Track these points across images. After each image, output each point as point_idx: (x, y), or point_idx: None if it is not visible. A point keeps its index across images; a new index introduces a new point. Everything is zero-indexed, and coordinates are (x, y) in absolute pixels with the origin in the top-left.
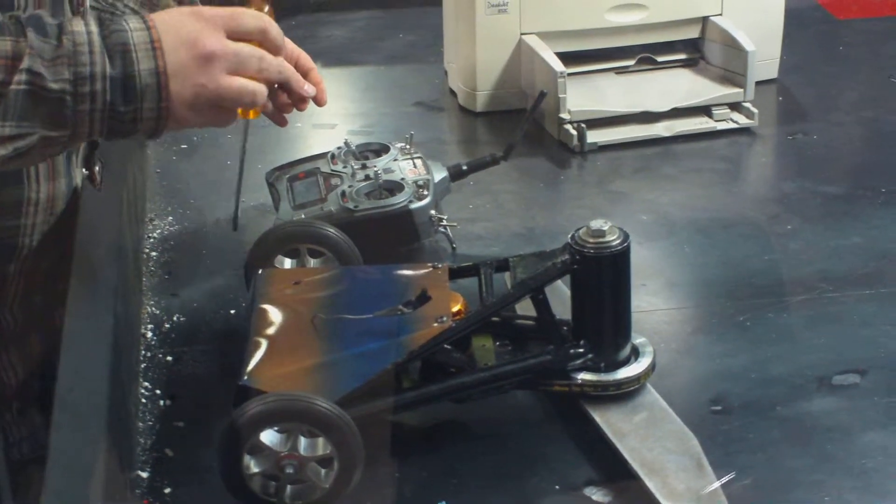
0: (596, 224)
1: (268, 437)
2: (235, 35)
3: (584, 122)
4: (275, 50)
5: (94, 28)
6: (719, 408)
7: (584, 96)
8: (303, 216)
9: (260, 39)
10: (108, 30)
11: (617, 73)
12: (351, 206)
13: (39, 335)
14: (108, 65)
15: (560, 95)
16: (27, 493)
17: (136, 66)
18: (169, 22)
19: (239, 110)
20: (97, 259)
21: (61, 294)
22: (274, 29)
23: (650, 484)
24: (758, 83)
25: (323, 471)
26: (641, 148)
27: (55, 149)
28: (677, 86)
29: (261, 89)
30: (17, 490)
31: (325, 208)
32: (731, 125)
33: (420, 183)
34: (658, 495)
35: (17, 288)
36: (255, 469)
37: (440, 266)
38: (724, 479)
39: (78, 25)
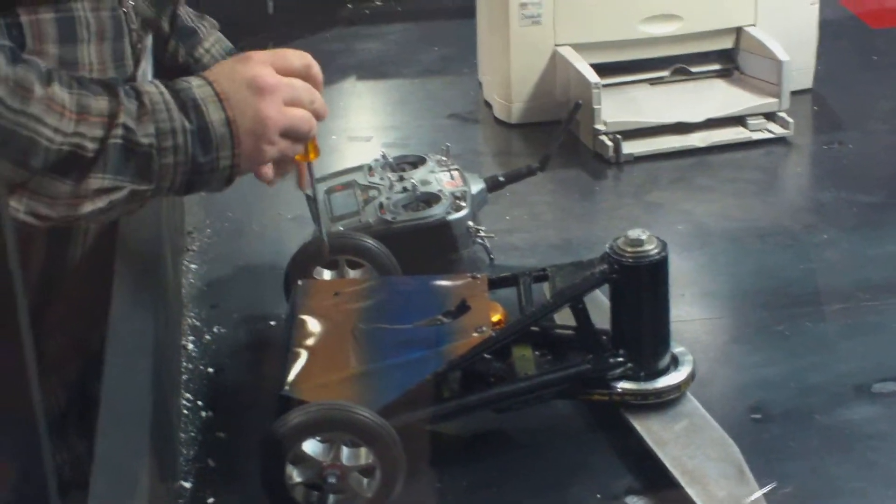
0: (634, 233)
1: (310, 446)
2: (282, 72)
3: (619, 133)
4: (317, 86)
5: (163, 88)
6: (759, 416)
7: (619, 107)
8: (341, 228)
9: (304, 76)
10: (174, 89)
11: (651, 83)
12: (389, 217)
13: (80, 361)
14: (185, 120)
15: (595, 106)
16: None
17: (207, 117)
18: (224, 73)
19: (298, 156)
20: (138, 271)
21: (101, 319)
22: (316, 66)
23: (691, 491)
24: (792, 93)
25: (365, 480)
26: (677, 159)
27: (135, 205)
28: (712, 96)
29: (313, 121)
30: None
31: (363, 220)
32: (767, 135)
33: (457, 194)
34: (699, 502)
35: (62, 313)
36: (297, 479)
37: (479, 276)
38: (767, 489)
39: (149, 87)
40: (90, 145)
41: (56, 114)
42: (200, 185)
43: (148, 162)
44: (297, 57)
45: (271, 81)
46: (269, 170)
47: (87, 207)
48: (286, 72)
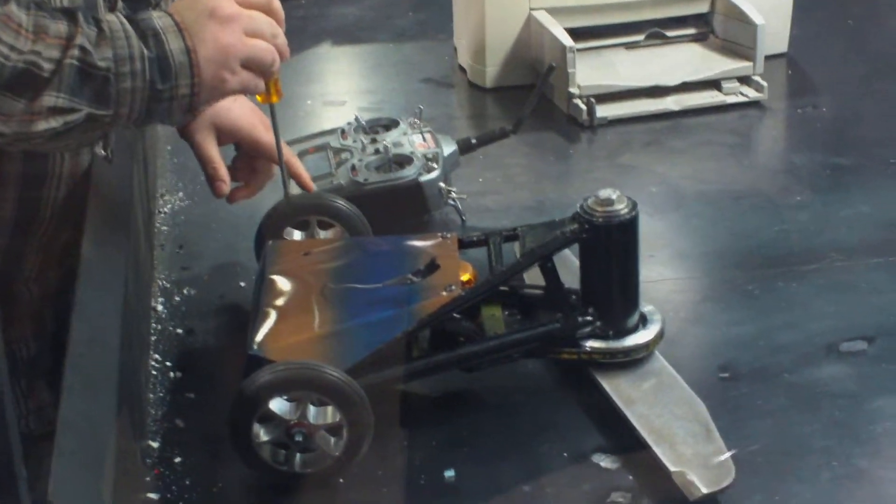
0: (604, 193)
1: (277, 405)
2: (244, 5)
3: (593, 96)
4: (279, 23)
5: (123, 18)
6: (727, 375)
7: (593, 71)
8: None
9: (265, 10)
10: (134, 19)
11: (626, 47)
12: (361, 179)
13: (54, 311)
14: (143, 47)
15: (569, 70)
16: (35, 468)
17: (167, 45)
18: (185, 4)
19: (259, 97)
20: (108, 232)
21: (76, 270)
22: (277, 2)
23: (658, 450)
24: (767, 57)
25: (332, 439)
26: (651, 122)
27: (95, 132)
28: (687, 60)
29: (276, 54)
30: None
31: (334, 182)
32: (741, 99)
33: (429, 156)
34: (666, 461)
35: (35, 261)
36: (264, 437)
37: (449, 236)
38: (729, 454)
39: (110, 16)
40: (46, 65)
41: (12, 31)
42: (160, 114)
43: (105, 86)
44: None
45: (231, 11)
46: (226, 186)
47: (41, 125)
48: (247, 4)
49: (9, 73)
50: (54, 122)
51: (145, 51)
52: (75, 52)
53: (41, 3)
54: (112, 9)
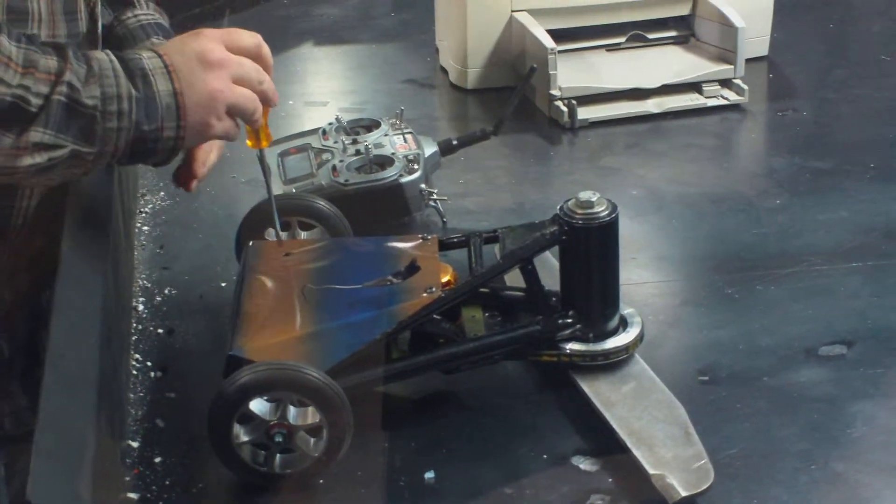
0: (584, 195)
1: (257, 405)
2: (233, 49)
3: (574, 98)
4: (267, 68)
5: (113, 56)
6: (707, 378)
7: (574, 73)
8: (293, 190)
9: (254, 55)
10: (123, 58)
11: (608, 50)
12: (341, 180)
13: (26, 315)
14: (132, 87)
15: (551, 72)
16: (10, 471)
17: (154, 87)
18: (175, 47)
19: (249, 142)
20: (88, 232)
21: (49, 275)
22: (266, 47)
23: (637, 453)
24: (748, 60)
25: (312, 440)
26: (632, 124)
27: (79, 169)
28: (668, 62)
29: (258, 103)
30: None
31: (315, 182)
32: (722, 102)
33: (410, 157)
34: (645, 464)
35: (6, 266)
36: (244, 438)
37: (430, 237)
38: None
39: (100, 54)
40: (34, 100)
41: (2, 65)
42: (144, 154)
43: (91, 124)
44: (249, 36)
45: (220, 56)
46: (194, 184)
47: (27, 161)
48: (237, 50)
49: None
50: (39, 158)
51: (133, 91)
52: (63, 88)
53: (31, 37)
54: (91, 12)
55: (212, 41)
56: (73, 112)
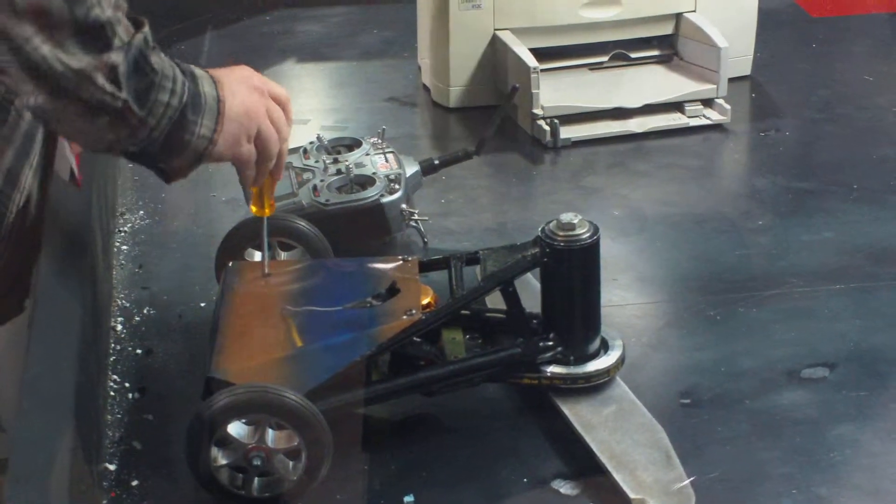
0: (566, 217)
1: (235, 429)
2: (268, 93)
3: (557, 117)
4: (288, 122)
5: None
6: (689, 401)
7: (557, 92)
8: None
9: (282, 106)
10: (176, 60)
11: (590, 69)
12: (322, 200)
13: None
14: (186, 79)
15: (533, 91)
16: None
17: (201, 87)
18: (222, 70)
19: (253, 207)
20: (66, 251)
21: (24, 297)
22: (290, 105)
23: (618, 477)
24: (731, 80)
25: (291, 463)
26: (614, 144)
27: (114, 132)
28: (650, 82)
29: (279, 144)
30: None
31: (296, 202)
32: (704, 121)
33: (391, 177)
34: (626, 488)
35: None
36: (222, 461)
37: (410, 259)
38: (688, 481)
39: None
40: (120, 33)
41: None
42: (178, 147)
43: (148, 88)
44: (282, 89)
45: (260, 84)
46: None
47: (99, 79)
48: (271, 94)
49: (93, 19)
50: (107, 85)
51: (187, 82)
52: (141, 37)
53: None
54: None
55: (254, 72)
56: (139, 69)
